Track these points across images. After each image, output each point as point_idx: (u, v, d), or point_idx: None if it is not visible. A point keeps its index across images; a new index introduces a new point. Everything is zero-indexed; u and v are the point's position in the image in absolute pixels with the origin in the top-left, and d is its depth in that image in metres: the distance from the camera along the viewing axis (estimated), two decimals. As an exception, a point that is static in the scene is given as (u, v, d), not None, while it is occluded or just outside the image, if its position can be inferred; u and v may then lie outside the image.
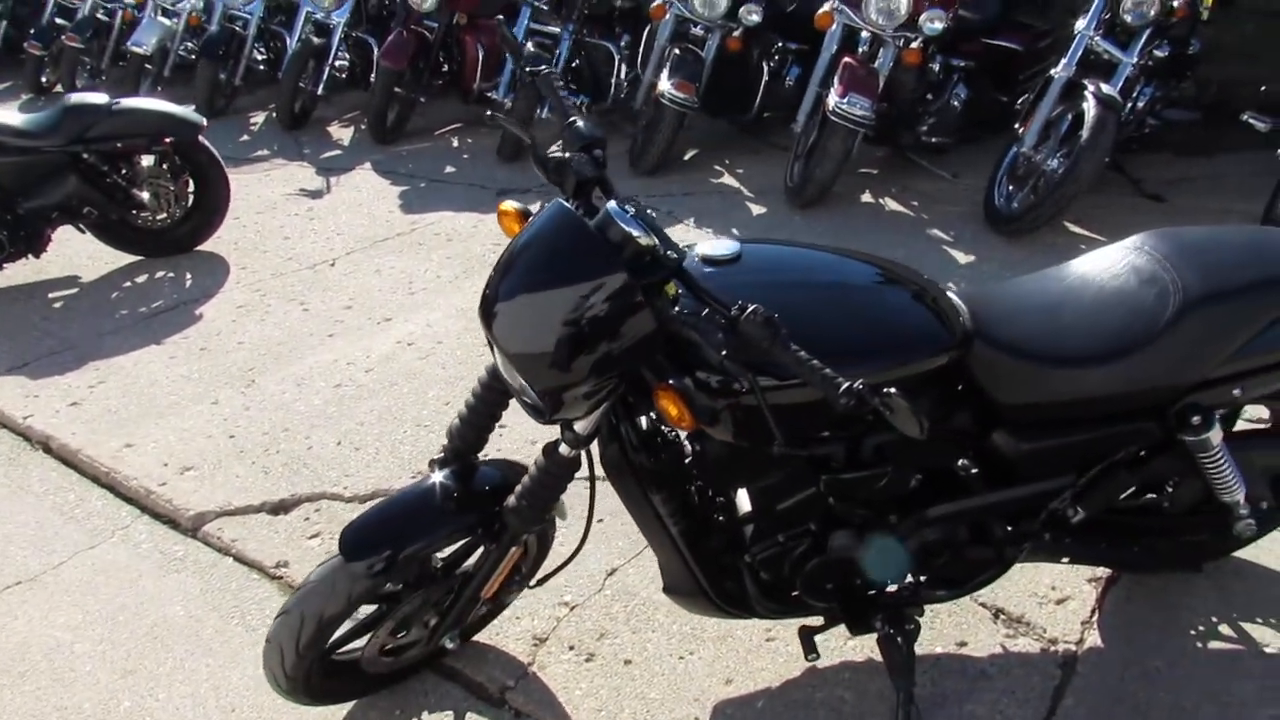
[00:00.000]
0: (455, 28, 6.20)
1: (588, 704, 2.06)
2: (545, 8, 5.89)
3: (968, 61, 4.99)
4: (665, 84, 5.01)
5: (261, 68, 7.25)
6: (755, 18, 5.13)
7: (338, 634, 1.89)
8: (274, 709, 2.07)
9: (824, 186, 4.70)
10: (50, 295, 4.15)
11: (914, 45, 4.60)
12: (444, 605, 1.95)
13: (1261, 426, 2.17)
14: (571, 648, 2.20)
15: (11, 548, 2.60)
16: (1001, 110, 5.06)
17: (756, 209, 4.90)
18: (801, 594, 1.84)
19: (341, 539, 1.76)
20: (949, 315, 1.70)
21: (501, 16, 2.11)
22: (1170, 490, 2.03)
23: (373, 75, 6.19)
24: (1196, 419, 1.76)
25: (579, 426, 1.63)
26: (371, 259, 4.42)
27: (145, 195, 4.28)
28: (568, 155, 1.60)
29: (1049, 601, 2.24)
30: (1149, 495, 2.07)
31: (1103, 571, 2.30)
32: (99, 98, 4.09)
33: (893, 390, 1.23)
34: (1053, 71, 4.31)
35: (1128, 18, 4.29)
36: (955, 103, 4.98)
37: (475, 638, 2.18)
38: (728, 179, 5.35)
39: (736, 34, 5.25)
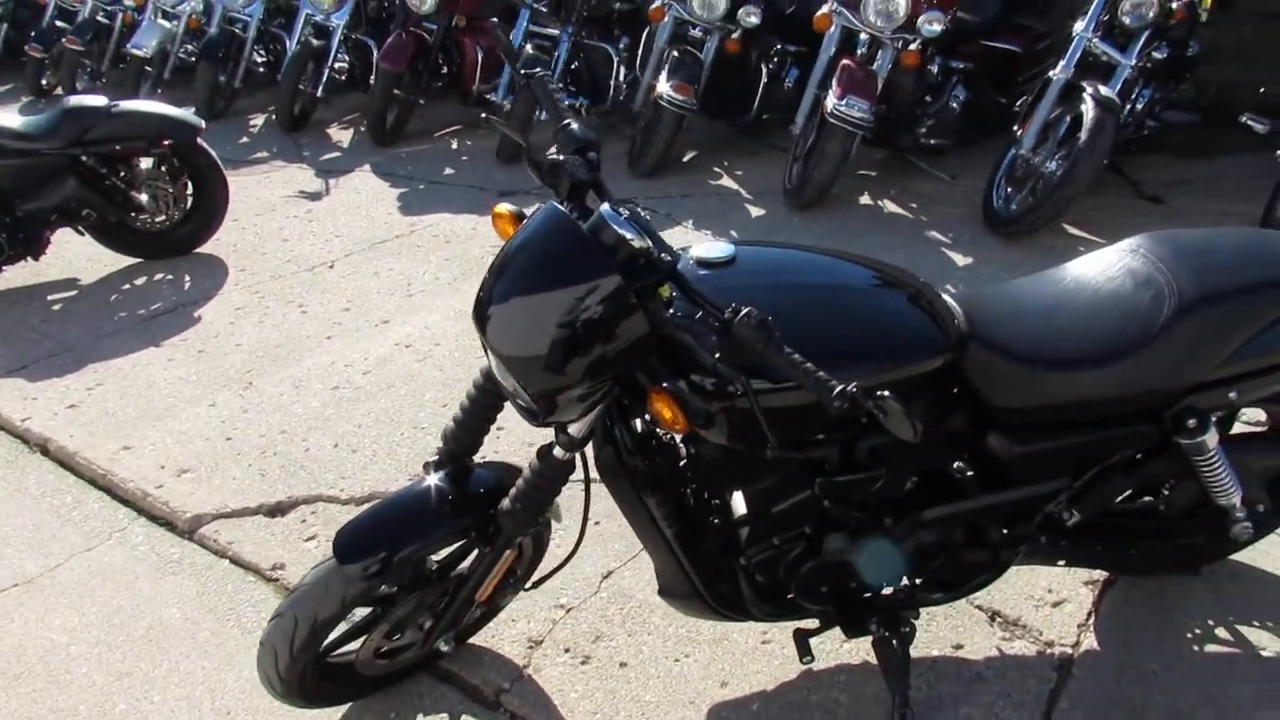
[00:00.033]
0: (454, 30, 6.21)
1: (583, 706, 2.05)
2: (544, 10, 5.90)
3: (966, 63, 4.99)
4: (664, 86, 5.01)
5: (261, 70, 7.26)
6: (754, 20, 5.13)
7: (332, 636, 1.89)
8: (269, 712, 2.07)
9: (823, 188, 4.70)
10: (49, 297, 4.15)
11: (912, 47, 4.60)
12: (439, 608, 1.94)
13: (1258, 429, 2.16)
14: (567, 650, 2.20)
15: (8, 550, 2.60)
16: (1000, 112, 5.06)
17: (755, 211, 4.90)
18: (797, 597, 1.84)
19: (335, 541, 1.76)
20: (943, 318, 1.69)
21: (497, 19, 2.11)
22: (1167, 493, 2.02)
23: (372, 77, 6.21)
24: (1193, 422, 1.76)
25: (573, 429, 1.63)
26: (370, 261, 4.42)
27: (144, 197, 4.29)
28: (562, 158, 1.60)
29: (1045, 604, 2.24)
30: (1145, 498, 2.06)
31: (1099, 574, 2.29)
32: (98, 100, 4.09)
33: (886, 393, 1.22)
34: (1051, 73, 4.30)
35: (1126, 20, 4.29)
36: (954, 105, 4.98)
37: (470, 640, 2.18)
38: (726, 181, 5.35)
39: (735, 36, 5.25)
